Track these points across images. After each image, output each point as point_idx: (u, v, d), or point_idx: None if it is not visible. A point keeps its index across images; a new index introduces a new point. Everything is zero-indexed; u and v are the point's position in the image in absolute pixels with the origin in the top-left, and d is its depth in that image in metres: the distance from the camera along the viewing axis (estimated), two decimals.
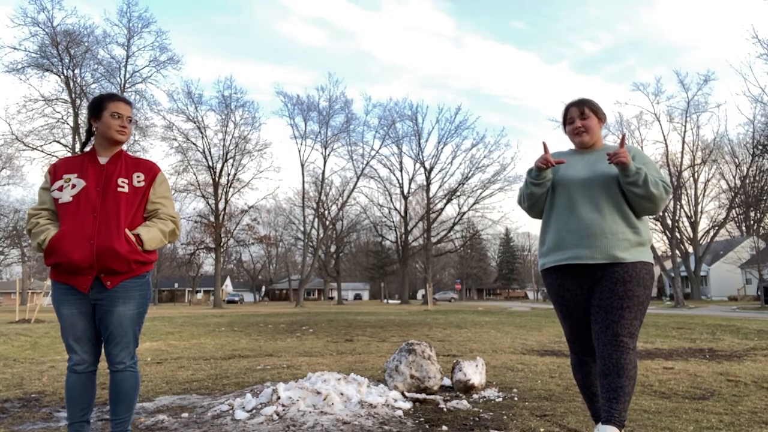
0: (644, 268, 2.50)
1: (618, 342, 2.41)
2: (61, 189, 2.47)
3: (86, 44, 32.69)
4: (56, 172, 2.52)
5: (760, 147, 36.75)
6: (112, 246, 2.39)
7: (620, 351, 2.40)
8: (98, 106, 2.57)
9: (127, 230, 2.45)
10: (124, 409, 2.52)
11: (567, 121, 2.76)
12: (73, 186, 2.47)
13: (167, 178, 2.76)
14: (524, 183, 2.75)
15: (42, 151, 32.84)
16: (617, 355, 2.40)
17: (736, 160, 42.99)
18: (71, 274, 2.41)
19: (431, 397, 3.76)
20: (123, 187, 2.50)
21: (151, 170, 2.61)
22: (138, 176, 2.57)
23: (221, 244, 40.56)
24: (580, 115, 2.71)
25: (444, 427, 3.02)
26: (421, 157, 50.27)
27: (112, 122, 2.53)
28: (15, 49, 31.50)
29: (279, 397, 3.40)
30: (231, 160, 40.45)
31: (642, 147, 36.32)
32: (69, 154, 32.54)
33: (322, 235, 48.75)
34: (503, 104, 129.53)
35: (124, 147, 2.67)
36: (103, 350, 2.55)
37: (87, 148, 2.67)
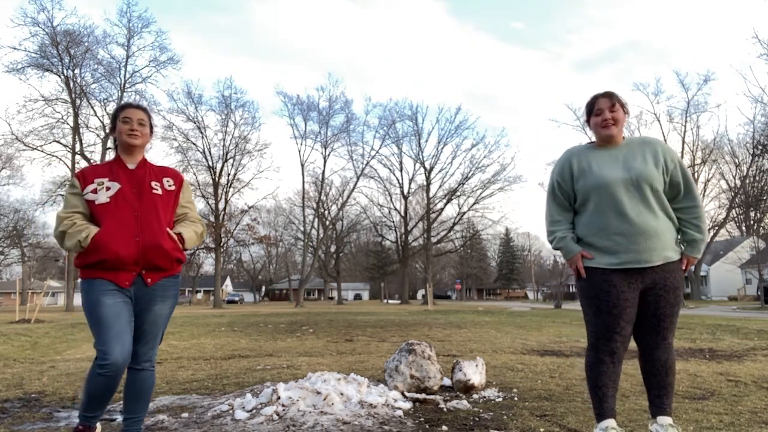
0: (680, 264, 2.64)
1: (666, 345, 2.62)
2: (95, 191, 2.51)
3: (86, 44, 32.77)
4: (85, 177, 2.57)
5: (760, 147, 36.79)
6: (158, 242, 2.46)
7: (668, 352, 2.62)
8: (113, 119, 2.68)
9: (168, 229, 2.53)
10: (142, 407, 2.57)
11: (594, 112, 2.65)
12: (108, 188, 2.52)
13: None
14: (562, 243, 2.69)
15: (42, 151, 32.90)
16: (665, 356, 2.61)
17: (736, 160, 43.07)
18: (113, 271, 2.43)
19: (431, 397, 3.76)
20: (156, 189, 2.59)
21: (177, 176, 2.74)
22: (168, 181, 2.67)
23: (221, 244, 40.56)
24: (610, 107, 2.62)
25: (444, 427, 3.02)
26: (421, 157, 50.36)
27: (123, 127, 2.61)
28: (15, 49, 31.60)
29: (279, 397, 3.40)
30: (231, 160, 40.48)
31: None
32: (69, 154, 32.61)
33: (322, 235, 48.75)
34: (503, 104, 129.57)
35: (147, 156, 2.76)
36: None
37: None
